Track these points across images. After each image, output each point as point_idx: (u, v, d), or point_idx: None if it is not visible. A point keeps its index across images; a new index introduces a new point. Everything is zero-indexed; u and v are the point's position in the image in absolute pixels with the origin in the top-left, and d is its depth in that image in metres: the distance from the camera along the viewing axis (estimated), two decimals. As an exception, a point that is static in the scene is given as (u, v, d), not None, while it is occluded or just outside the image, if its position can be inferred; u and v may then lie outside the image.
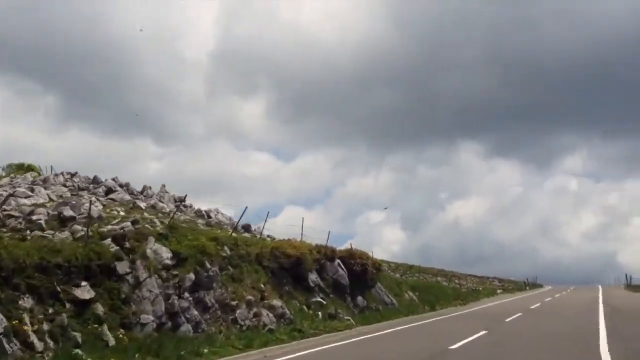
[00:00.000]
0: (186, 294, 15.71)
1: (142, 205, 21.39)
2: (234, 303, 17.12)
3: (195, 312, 15.65)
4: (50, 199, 19.84)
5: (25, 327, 11.59)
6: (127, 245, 15.37)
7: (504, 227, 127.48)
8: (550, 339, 17.43)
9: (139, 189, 25.42)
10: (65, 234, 15.60)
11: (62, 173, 24.71)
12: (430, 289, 37.97)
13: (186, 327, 15.08)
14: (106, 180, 24.05)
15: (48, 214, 16.98)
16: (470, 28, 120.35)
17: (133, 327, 13.91)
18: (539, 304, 35.06)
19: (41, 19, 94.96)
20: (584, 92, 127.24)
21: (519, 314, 26.64)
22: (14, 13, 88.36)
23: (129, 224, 16.67)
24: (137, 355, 12.81)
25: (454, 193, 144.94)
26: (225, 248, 18.42)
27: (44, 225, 16.02)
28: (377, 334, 19.89)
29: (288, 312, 18.88)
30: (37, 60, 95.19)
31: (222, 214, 27.45)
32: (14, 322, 11.44)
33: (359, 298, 25.35)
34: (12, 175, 25.11)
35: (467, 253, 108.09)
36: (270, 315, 17.96)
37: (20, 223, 16.11)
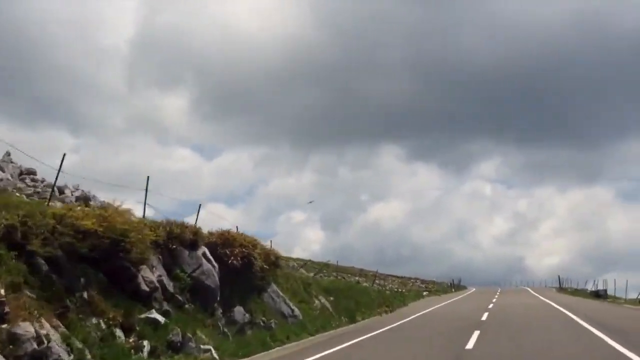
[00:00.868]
0: None
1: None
2: None
3: None
4: None
5: None
6: None
7: (422, 230, 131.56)
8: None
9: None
10: None
11: None
12: (350, 292, 29.18)
13: None
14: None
15: None
16: (394, 32, 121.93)
17: None
18: (486, 313, 26.98)
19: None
20: (501, 101, 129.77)
21: (477, 332, 18.06)
22: None
23: None
24: None
25: (375, 195, 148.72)
26: None
27: None
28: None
29: (62, 347, 9.17)
30: None
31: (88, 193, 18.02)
32: None
33: (238, 309, 15.95)
34: None
35: (387, 254, 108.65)
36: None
37: None
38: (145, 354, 10.81)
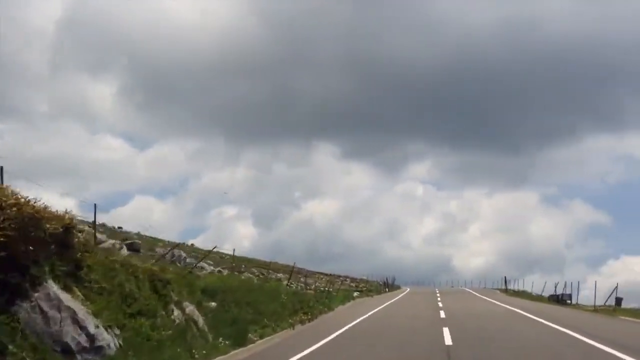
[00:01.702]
0: None
1: None
2: None
3: None
4: None
5: None
6: None
7: (355, 228, 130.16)
8: None
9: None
10: None
11: None
12: (249, 294, 19.71)
13: None
14: None
15: None
16: (330, 29, 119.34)
17: None
18: (445, 329, 18.25)
19: None
20: (434, 104, 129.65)
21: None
22: None
23: None
24: None
25: (309, 192, 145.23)
26: None
27: None
28: None
29: None
30: None
31: None
32: None
33: None
34: None
35: (318, 252, 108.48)
36: None
37: None
38: None
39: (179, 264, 24.76)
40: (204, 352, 12.34)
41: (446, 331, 17.43)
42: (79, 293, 9.80)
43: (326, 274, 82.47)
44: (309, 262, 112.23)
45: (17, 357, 7.83)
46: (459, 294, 52.47)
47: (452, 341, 15.24)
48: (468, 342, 15.22)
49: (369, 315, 26.48)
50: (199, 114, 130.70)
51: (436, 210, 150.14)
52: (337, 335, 17.65)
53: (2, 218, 8.52)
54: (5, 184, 10.41)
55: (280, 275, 67.63)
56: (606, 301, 32.78)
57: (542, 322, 20.93)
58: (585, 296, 41.87)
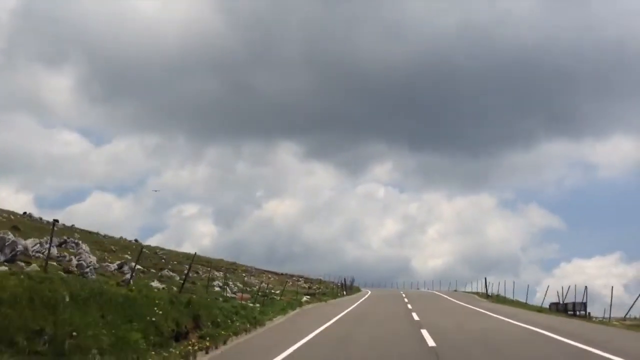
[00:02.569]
0: None
1: None
2: None
3: None
4: None
5: None
6: None
7: (315, 228, 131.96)
8: None
9: None
10: None
11: None
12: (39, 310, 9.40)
13: None
14: None
15: None
16: (295, 28, 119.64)
17: None
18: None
19: None
20: (396, 106, 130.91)
21: None
22: None
23: None
24: None
25: (271, 191, 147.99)
26: None
27: None
28: None
29: None
30: None
31: None
32: None
33: None
34: None
35: (278, 251, 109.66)
36: None
37: None
38: None
39: None
40: None
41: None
42: None
43: (278, 274, 72.61)
44: (269, 261, 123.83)
45: None
46: (431, 299, 43.08)
47: None
48: None
49: (311, 338, 16.48)
50: (158, 110, 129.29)
51: (396, 212, 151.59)
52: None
53: None
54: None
55: (217, 273, 57.33)
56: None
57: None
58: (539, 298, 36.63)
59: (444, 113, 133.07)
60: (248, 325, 19.00)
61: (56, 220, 19.91)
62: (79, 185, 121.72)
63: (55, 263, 19.18)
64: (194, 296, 18.10)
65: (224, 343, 15.19)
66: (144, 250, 55.58)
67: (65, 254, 22.16)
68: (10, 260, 16.68)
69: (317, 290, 56.84)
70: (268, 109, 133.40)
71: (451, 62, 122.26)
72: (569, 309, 29.29)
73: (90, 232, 53.32)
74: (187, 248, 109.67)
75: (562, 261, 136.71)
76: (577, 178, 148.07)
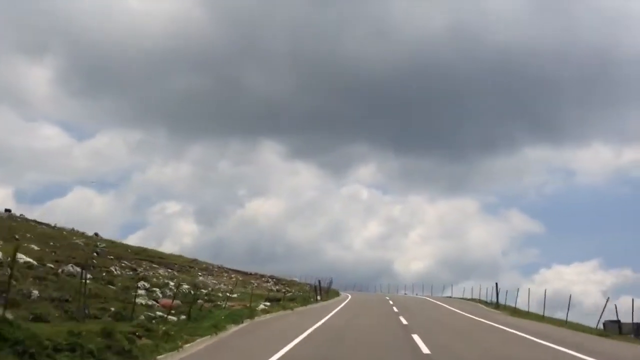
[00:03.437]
0: None
1: None
2: None
3: None
4: None
5: None
6: None
7: (298, 229, 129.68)
8: None
9: None
10: None
11: None
12: None
13: None
14: None
15: None
16: (280, 25, 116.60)
17: None
18: None
19: None
20: (380, 107, 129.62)
21: None
22: None
23: None
24: None
25: (254, 190, 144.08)
26: None
27: None
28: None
29: None
30: None
31: None
32: None
33: None
34: None
35: (261, 251, 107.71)
36: None
37: None
38: None
39: None
40: None
41: None
42: None
43: (247, 273, 63.18)
44: (251, 261, 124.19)
45: None
46: (426, 308, 34.06)
47: None
48: None
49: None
50: (142, 105, 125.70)
51: (379, 214, 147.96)
52: None
53: None
54: None
55: (172, 271, 48.42)
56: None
57: None
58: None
59: (427, 115, 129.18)
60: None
61: None
62: (60, 179, 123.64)
63: None
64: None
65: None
66: (76, 241, 46.22)
67: None
68: None
69: (287, 294, 47.55)
70: (252, 107, 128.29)
71: (437, 64, 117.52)
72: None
73: (39, 223, 45.06)
74: (168, 246, 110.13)
75: (542, 267, 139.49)
76: (558, 184, 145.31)
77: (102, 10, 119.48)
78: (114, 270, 32.75)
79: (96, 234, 49.62)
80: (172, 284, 35.15)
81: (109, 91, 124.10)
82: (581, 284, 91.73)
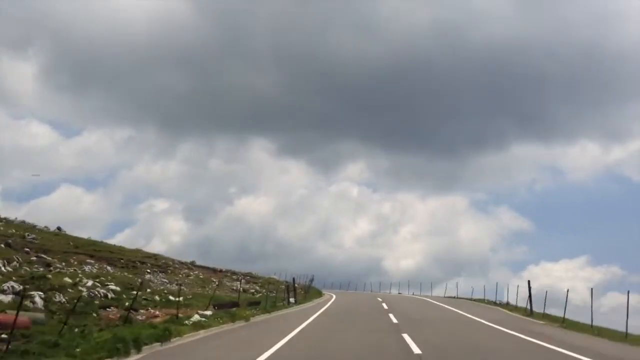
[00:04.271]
0: None
1: None
2: None
3: None
4: None
5: None
6: None
7: (287, 226, 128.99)
8: None
9: None
10: None
11: None
12: None
13: None
14: None
15: None
16: (267, 21, 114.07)
17: None
18: None
19: None
20: (369, 104, 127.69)
21: None
22: None
23: None
24: None
25: (243, 188, 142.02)
26: None
27: None
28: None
29: None
30: None
31: None
32: None
33: None
34: None
35: (250, 249, 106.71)
36: None
37: None
38: None
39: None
40: None
41: None
42: None
43: (217, 270, 53.68)
44: (240, 259, 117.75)
45: None
46: (438, 318, 24.62)
47: None
48: None
49: None
50: (129, 102, 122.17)
51: (369, 212, 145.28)
52: None
53: None
54: None
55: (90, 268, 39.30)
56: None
57: None
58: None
59: (417, 112, 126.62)
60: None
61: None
62: (46, 177, 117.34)
63: None
64: None
65: None
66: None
67: None
68: None
69: (254, 296, 38.10)
70: (241, 105, 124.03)
71: (425, 61, 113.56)
72: None
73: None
74: (156, 244, 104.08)
75: (530, 264, 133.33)
76: (547, 181, 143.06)
77: (87, 3, 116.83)
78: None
79: (59, 228, 45.80)
80: (91, 283, 25.72)
81: (96, 87, 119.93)
82: (569, 281, 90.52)
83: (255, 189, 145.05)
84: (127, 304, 21.74)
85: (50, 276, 23.97)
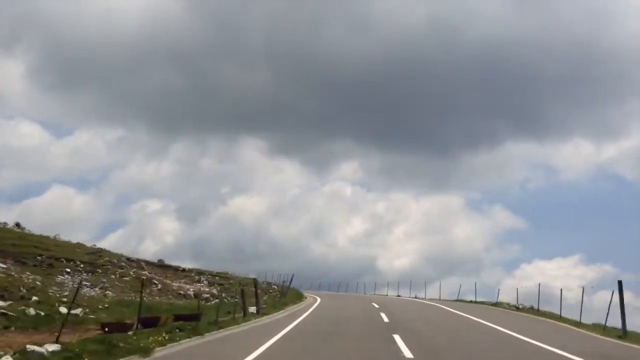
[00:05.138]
0: None
1: None
2: None
3: None
4: None
5: None
6: None
7: (281, 226, 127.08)
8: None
9: None
10: None
11: None
12: None
13: None
14: None
15: None
16: (259, 20, 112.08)
17: None
18: None
19: None
20: (362, 103, 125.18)
21: None
22: None
23: None
24: None
25: (236, 188, 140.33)
26: None
27: None
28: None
29: None
30: None
31: None
32: None
33: None
34: None
35: (243, 249, 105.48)
36: None
37: None
38: None
39: None
40: None
41: None
42: None
43: (162, 266, 43.94)
44: (234, 259, 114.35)
45: None
46: (480, 346, 14.29)
47: None
48: None
49: None
50: (120, 101, 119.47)
51: (363, 211, 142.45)
52: None
53: None
54: None
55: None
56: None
57: None
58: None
59: (411, 110, 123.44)
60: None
61: None
62: (37, 178, 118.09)
63: None
64: None
65: None
66: None
67: None
68: None
69: (211, 302, 28.03)
70: (233, 104, 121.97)
71: (419, 59, 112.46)
72: None
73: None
74: (149, 245, 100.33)
75: (523, 262, 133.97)
76: (540, 179, 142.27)
77: (77, 4, 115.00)
78: None
79: (17, 224, 43.47)
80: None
81: (86, 87, 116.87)
82: (562, 279, 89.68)
83: (248, 189, 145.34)
84: None
85: None
